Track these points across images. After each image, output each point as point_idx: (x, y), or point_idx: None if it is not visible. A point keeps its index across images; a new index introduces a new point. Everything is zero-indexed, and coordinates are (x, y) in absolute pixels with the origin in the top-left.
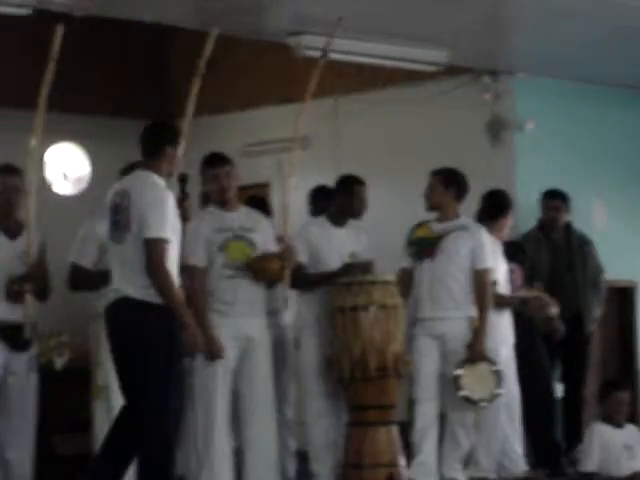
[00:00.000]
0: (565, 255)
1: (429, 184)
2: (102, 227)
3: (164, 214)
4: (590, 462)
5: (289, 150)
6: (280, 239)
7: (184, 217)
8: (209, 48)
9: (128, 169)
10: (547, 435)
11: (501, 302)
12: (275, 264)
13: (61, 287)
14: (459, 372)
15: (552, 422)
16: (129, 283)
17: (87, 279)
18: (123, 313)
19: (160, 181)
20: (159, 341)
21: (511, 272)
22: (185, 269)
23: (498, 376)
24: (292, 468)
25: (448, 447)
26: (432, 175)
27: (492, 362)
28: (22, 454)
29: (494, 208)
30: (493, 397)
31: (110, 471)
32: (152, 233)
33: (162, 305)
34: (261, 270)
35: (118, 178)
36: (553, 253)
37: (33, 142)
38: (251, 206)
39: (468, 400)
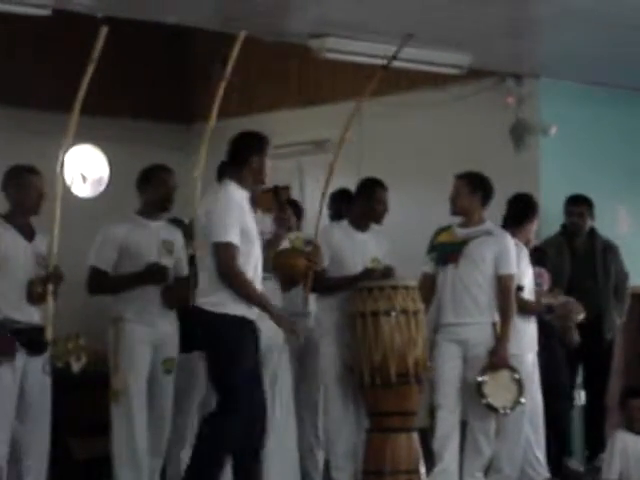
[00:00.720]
0: (587, 261)
1: (455, 188)
2: (121, 230)
3: (227, 219)
4: (611, 471)
5: (309, 153)
6: (309, 242)
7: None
8: (236, 51)
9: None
10: (556, 440)
11: (527, 308)
12: (301, 262)
13: (79, 290)
14: (481, 379)
15: (566, 429)
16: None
17: (106, 283)
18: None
19: (233, 190)
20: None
21: (539, 276)
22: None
23: (520, 384)
24: (318, 478)
25: (469, 455)
26: (457, 179)
27: (514, 370)
28: (38, 460)
29: (520, 212)
30: (515, 405)
31: None
32: (216, 238)
33: (225, 314)
34: (287, 266)
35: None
36: (575, 259)
37: (64, 146)
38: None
39: (490, 407)
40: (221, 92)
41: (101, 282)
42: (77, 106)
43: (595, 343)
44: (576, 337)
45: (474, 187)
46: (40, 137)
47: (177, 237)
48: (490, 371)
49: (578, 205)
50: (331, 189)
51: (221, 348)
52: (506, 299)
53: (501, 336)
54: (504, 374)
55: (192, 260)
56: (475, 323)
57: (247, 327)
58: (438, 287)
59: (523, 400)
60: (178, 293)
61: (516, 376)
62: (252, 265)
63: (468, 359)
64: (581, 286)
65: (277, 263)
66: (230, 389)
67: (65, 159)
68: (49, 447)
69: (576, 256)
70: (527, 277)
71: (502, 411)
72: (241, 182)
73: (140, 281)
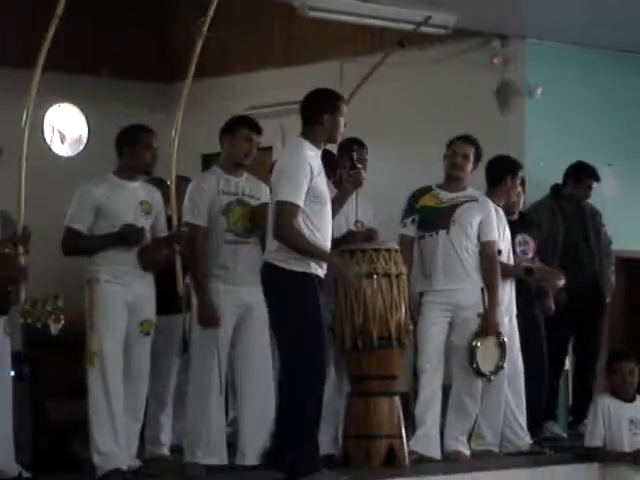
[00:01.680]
0: (579, 226)
1: (463, 152)
2: (98, 191)
3: (294, 179)
4: (595, 436)
5: (292, 113)
6: None
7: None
8: (212, 9)
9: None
10: (533, 406)
11: (505, 272)
12: None
13: (55, 250)
14: (475, 343)
15: (540, 394)
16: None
17: (81, 243)
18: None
19: (305, 148)
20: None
21: (524, 243)
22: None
23: (503, 349)
24: None
25: (454, 418)
26: (466, 143)
27: (500, 334)
28: (1, 421)
29: (496, 174)
30: (498, 370)
31: None
32: (280, 196)
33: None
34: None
35: None
36: (568, 224)
37: (28, 102)
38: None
39: (478, 372)
40: (198, 49)
41: (76, 243)
42: (40, 62)
43: (592, 307)
44: (551, 304)
45: (479, 153)
46: (7, 93)
47: (156, 197)
48: (482, 336)
49: (591, 178)
50: None
51: (284, 303)
52: (492, 265)
53: (491, 302)
54: (491, 339)
55: (169, 221)
56: (465, 288)
57: (309, 282)
58: (424, 252)
59: (504, 364)
60: (155, 254)
61: (501, 340)
62: (323, 224)
63: (456, 324)
64: (576, 250)
65: (255, 215)
66: (293, 344)
67: (29, 115)
68: (16, 408)
69: (568, 220)
70: (505, 241)
71: (488, 375)
72: (313, 140)
73: (115, 242)
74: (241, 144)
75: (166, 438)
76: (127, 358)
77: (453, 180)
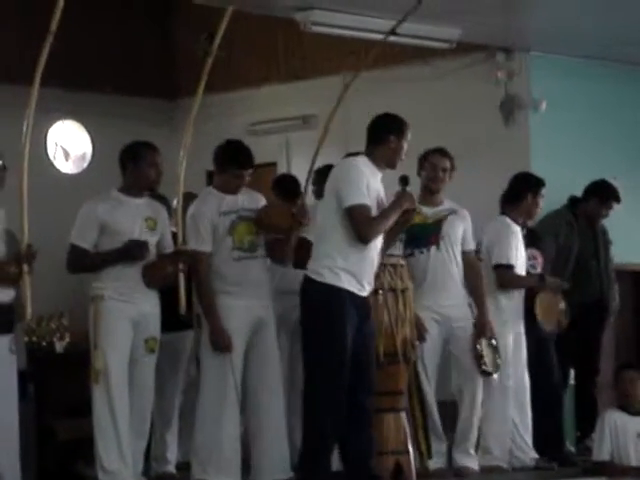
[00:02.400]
0: (591, 241)
1: (443, 165)
2: (102, 208)
3: (353, 183)
4: (602, 451)
5: (296, 129)
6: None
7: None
8: (223, 26)
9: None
10: (553, 423)
11: (519, 282)
12: (285, 217)
13: (61, 268)
14: (478, 346)
15: (559, 410)
16: None
17: (86, 261)
18: None
19: (360, 161)
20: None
21: (533, 258)
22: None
23: (495, 348)
24: None
25: (461, 432)
26: (446, 157)
27: (492, 336)
28: (8, 441)
29: (518, 189)
30: (498, 367)
31: None
32: (348, 202)
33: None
34: (271, 223)
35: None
36: (580, 240)
37: (26, 118)
38: (281, 185)
39: (485, 373)
40: (208, 67)
41: (81, 261)
42: (37, 78)
43: (594, 323)
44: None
45: (453, 165)
46: (10, 110)
47: (160, 213)
48: (478, 339)
49: (616, 200)
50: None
51: (309, 314)
52: (477, 272)
53: (482, 307)
54: (484, 340)
55: (174, 238)
56: (457, 304)
57: (338, 296)
58: (415, 268)
59: (500, 361)
60: (160, 271)
61: (492, 342)
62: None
63: (450, 336)
64: (586, 266)
65: (260, 220)
66: (313, 358)
67: (29, 132)
68: (21, 427)
69: (581, 237)
70: (520, 257)
71: (491, 372)
72: (375, 160)
73: (119, 257)
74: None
75: (172, 456)
76: (132, 376)
77: (433, 194)
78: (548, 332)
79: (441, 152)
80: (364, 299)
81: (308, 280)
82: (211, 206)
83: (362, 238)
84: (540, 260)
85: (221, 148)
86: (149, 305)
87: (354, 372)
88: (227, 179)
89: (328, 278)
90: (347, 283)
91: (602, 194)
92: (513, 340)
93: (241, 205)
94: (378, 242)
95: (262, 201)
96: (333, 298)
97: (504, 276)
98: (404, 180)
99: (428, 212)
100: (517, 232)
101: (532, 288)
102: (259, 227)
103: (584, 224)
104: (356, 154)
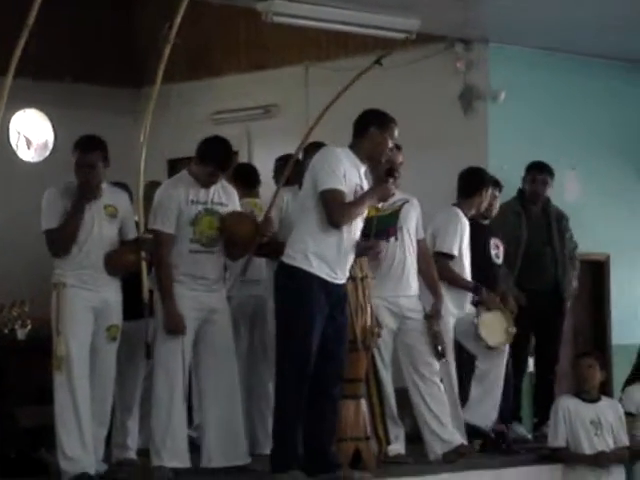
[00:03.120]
0: (543, 229)
1: (401, 160)
2: (65, 195)
3: (329, 168)
4: (557, 437)
5: (257, 118)
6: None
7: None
8: (180, 15)
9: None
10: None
11: (454, 279)
12: (247, 229)
13: (23, 255)
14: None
15: (506, 399)
16: None
17: (58, 234)
18: None
19: (340, 150)
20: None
21: (496, 247)
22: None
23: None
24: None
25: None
26: (400, 152)
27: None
28: None
29: (471, 185)
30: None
31: None
32: (322, 186)
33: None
34: (233, 233)
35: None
36: (532, 226)
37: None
38: (240, 174)
39: (440, 355)
40: (166, 56)
41: (56, 239)
42: (11, 71)
43: (552, 311)
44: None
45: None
46: None
47: (121, 200)
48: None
49: (543, 173)
50: (278, 154)
51: (280, 299)
52: (431, 260)
53: (436, 293)
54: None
55: (136, 226)
56: (413, 294)
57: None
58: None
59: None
60: (122, 259)
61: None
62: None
63: (405, 328)
64: (539, 253)
65: (224, 227)
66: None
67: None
68: None
69: (532, 223)
70: (465, 249)
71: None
72: (357, 152)
73: (76, 207)
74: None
75: (133, 442)
76: (93, 363)
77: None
78: (494, 348)
79: (397, 147)
80: (338, 287)
81: (281, 264)
82: (181, 192)
83: (333, 222)
84: (502, 249)
85: (209, 142)
86: (111, 293)
87: (323, 360)
88: (203, 172)
89: (300, 262)
90: (318, 269)
91: (530, 172)
92: (452, 323)
93: (211, 197)
94: (355, 233)
95: (235, 196)
96: (302, 282)
97: (443, 266)
98: (389, 172)
99: (384, 204)
100: (465, 224)
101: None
102: (221, 231)
103: (537, 212)
104: (320, 144)
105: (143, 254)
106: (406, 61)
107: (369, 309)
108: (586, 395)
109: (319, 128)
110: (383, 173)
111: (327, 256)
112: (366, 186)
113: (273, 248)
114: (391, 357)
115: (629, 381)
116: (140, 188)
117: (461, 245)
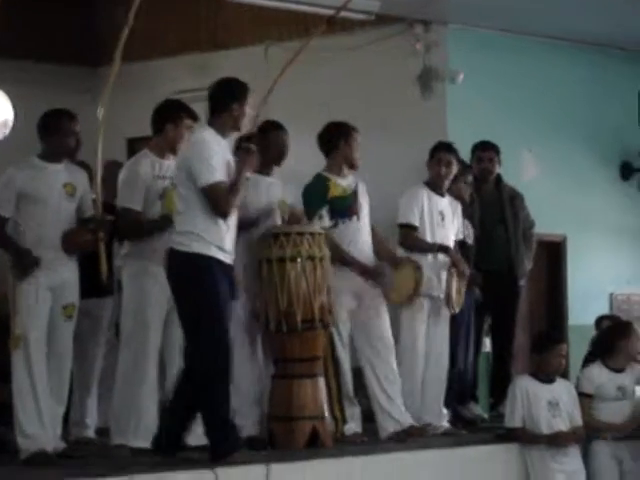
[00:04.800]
0: (496, 208)
1: (358, 141)
2: (20, 175)
3: (204, 161)
4: (514, 417)
5: None
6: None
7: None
8: None
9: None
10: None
11: (418, 244)
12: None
13: None
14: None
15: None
16: None
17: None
18: None
19: (207, 135)
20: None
21: (467, 228)
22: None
23: None
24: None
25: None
26: (358, 133)
27: None
28: None
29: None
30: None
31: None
32: (202, 182)
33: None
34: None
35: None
36: (484, 206)
37: None
38: None
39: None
40: (124, 37)
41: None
42: None
43: (506, 290)
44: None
45: None
46: None
47: (80, 179)
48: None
49: (487, 151)
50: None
51: (182, 286)
52: (382, 237)
53: (397, 257)
54: None
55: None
56: None
57: (207, 265)
58: (341, 240)
59: None
60: (79, 238)
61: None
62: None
63: (364, 305)
64: (491, 233)
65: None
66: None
67: None
68: None
69: (484, 203)
70: (430, 222)
71: None
72: (218, 128)
73: (15, 255)
74: (183, 131)
75: (91, 421)
76: (50, 342)
77: (342, 165)
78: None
79: (354, 129)
80: (231, 267)
81: (174, 252)
82: (146, 168)
83: (221, 215)
84: (471, 229)
85: (159, 107)
86: (68, 272)
87: None
88: (165, 138)
89: (195, 247)
90: (214, 251)
91: (474, 152)
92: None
93: (173, 171)
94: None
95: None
96: (202, 265)
97: (405, 235)
98: (240, 141)
99: (342, 183)
100: (424, 197)
101: None
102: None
103: (490, 191)
104: (276, 123)
105: (101, 234)
106: (365, 42)
107: (326, 289)
108: (543, 376)
109: (280, 108)
110: (239, 144)
111: (217, 239)
112: (231, 159)
113: None
114: (349, 336)
115: (586, 362)
116: (99, 167)
117: (423, 217)
